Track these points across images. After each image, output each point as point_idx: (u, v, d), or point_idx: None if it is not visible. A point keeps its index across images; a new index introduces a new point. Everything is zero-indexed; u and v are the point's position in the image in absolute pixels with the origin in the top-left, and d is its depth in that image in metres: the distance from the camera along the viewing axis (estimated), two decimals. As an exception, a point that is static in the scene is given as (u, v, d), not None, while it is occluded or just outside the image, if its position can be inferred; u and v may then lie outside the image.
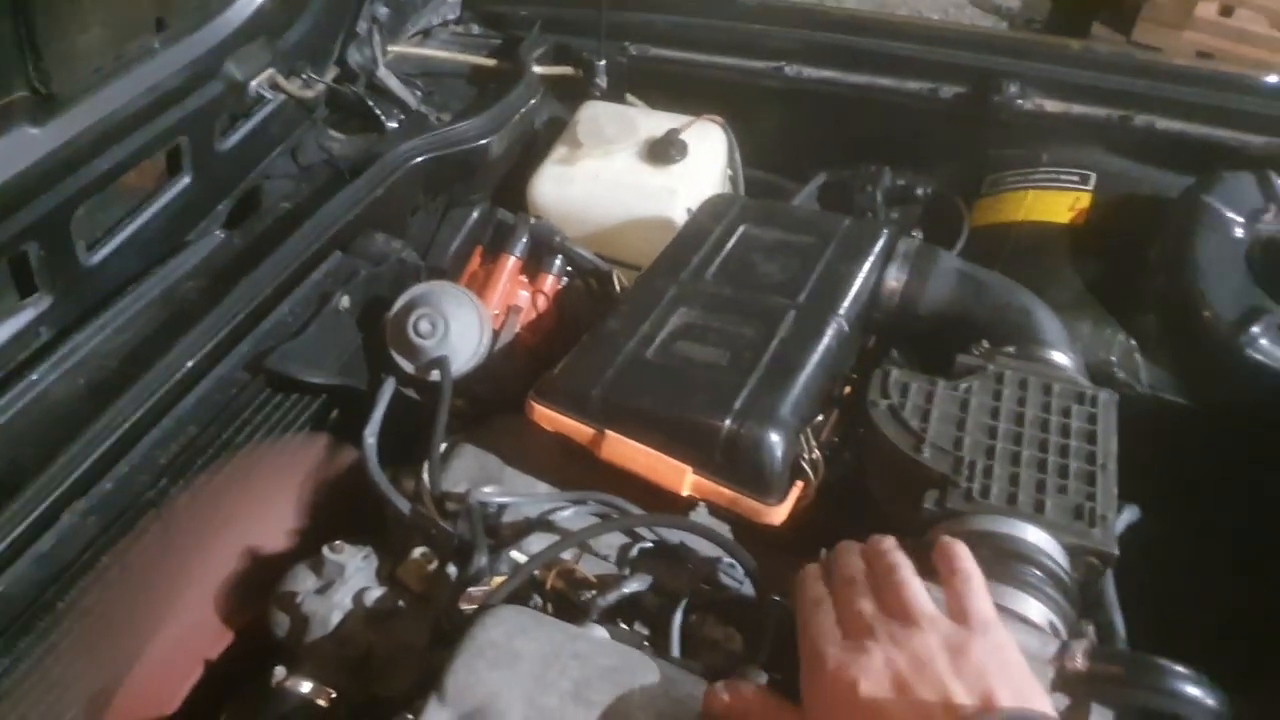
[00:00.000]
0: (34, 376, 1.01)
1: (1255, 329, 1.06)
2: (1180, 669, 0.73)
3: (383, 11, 1.41)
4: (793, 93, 1.49)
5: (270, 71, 1.24)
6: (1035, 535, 0.84)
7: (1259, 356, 1.06)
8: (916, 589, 0.69)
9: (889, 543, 0.74)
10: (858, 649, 0.64)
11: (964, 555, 0.71)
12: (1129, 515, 0.94)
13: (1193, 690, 0.72)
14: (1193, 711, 0.72)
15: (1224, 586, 1.04)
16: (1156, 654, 0.74)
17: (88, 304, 1.10)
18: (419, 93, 1.44)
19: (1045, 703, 0.63)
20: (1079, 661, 0.74)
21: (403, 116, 1.40)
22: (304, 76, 1.30)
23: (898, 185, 1.43)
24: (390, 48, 1.47)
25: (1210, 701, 0.72)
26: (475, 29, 1.64)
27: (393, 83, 1.41)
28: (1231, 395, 1.09)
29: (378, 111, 1.38)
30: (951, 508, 0.87)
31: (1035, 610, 0.79)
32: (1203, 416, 1.09)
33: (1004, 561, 0.82)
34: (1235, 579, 1.05)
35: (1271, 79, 1.39)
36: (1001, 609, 0.78)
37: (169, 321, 1.10)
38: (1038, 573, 0.81)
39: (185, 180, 1.18)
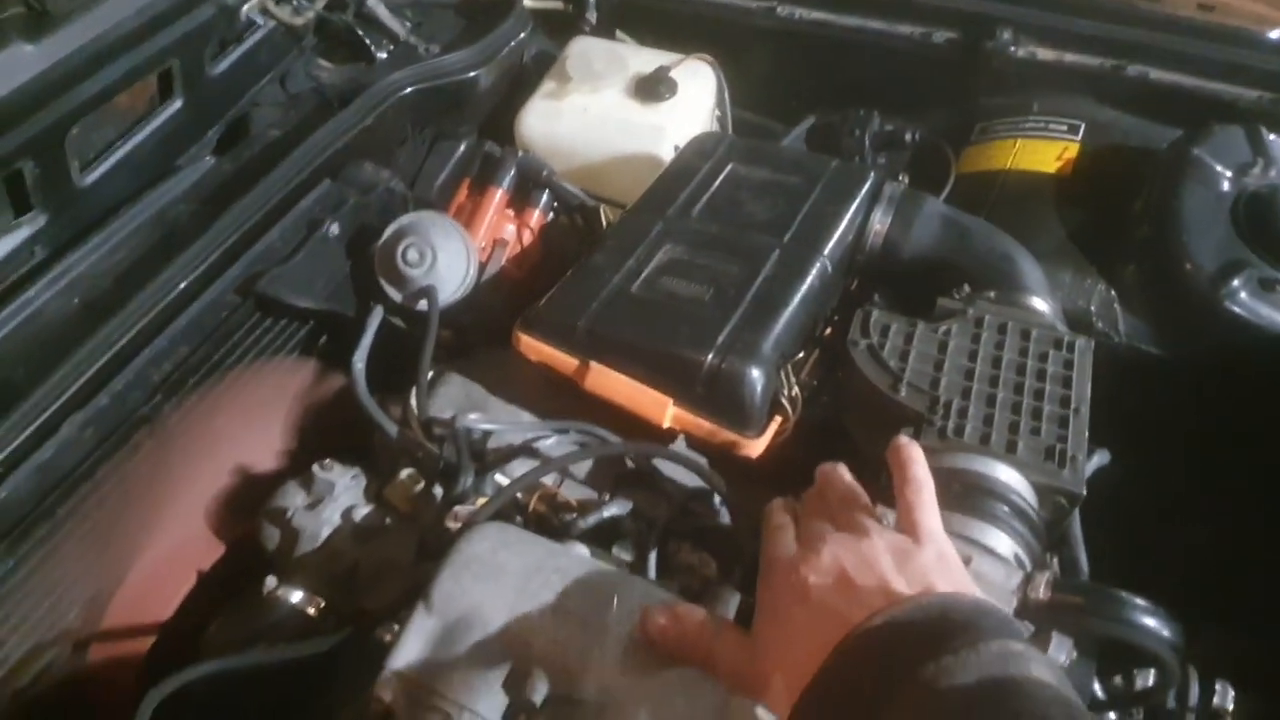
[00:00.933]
0: (29, 294, 1.02)
1: (1235, 282, 1.08)
2: (1138, 600, 0.76)
3: (375, -61, 1.39)
4: (784, 33, 1.48)
5: (262, -3, 1.23)
6: (1006, 473, 0.87)
7: (1237, 309, 1.08)
8: (867, 509, 0.72)
9: (845, 474, 0.77)
10: (810, 551, 0.67)
11: (917, 461, 0.74)
12: (1099, 459, 0.96)
13: (1149, 620, 0.75)
14: (1149, 641, 0.75)
15: (1187, 532, 1.07)
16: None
17: (81, 224, 1.11)
18: (408, 24, 1.43)
19: None
20: (1041, 592, 0.77)
21: (391, 47, 1.39)
22: (294, 3, 1.29)
23: (886, 130, 1.43)
24: (381, -24, 1.45)
25: (1165, 632, 0.76)
26: (469, -40, 1.62)
27: (382, 12, 1.39)
28: (1208, 347, 1.10)
29: (367, 41, 1.37)
30: (926, 445, 0.89)
31: (1002, 543, 0.82)
32: (1178, 367, 1.11)
33: (974, 496, 0.84)
34: (1198, 525, 1.08)
35: (1269, 33, 1.39)
36: (970, 540, 0.82)
37: (161, 244, 1.11)
38: (1006, 509, 0.84)
39: (176, 104, 1.18)
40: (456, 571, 0.77)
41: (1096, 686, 0.81)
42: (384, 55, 1.36)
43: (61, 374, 0.93)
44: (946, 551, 0.67)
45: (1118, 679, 0.83)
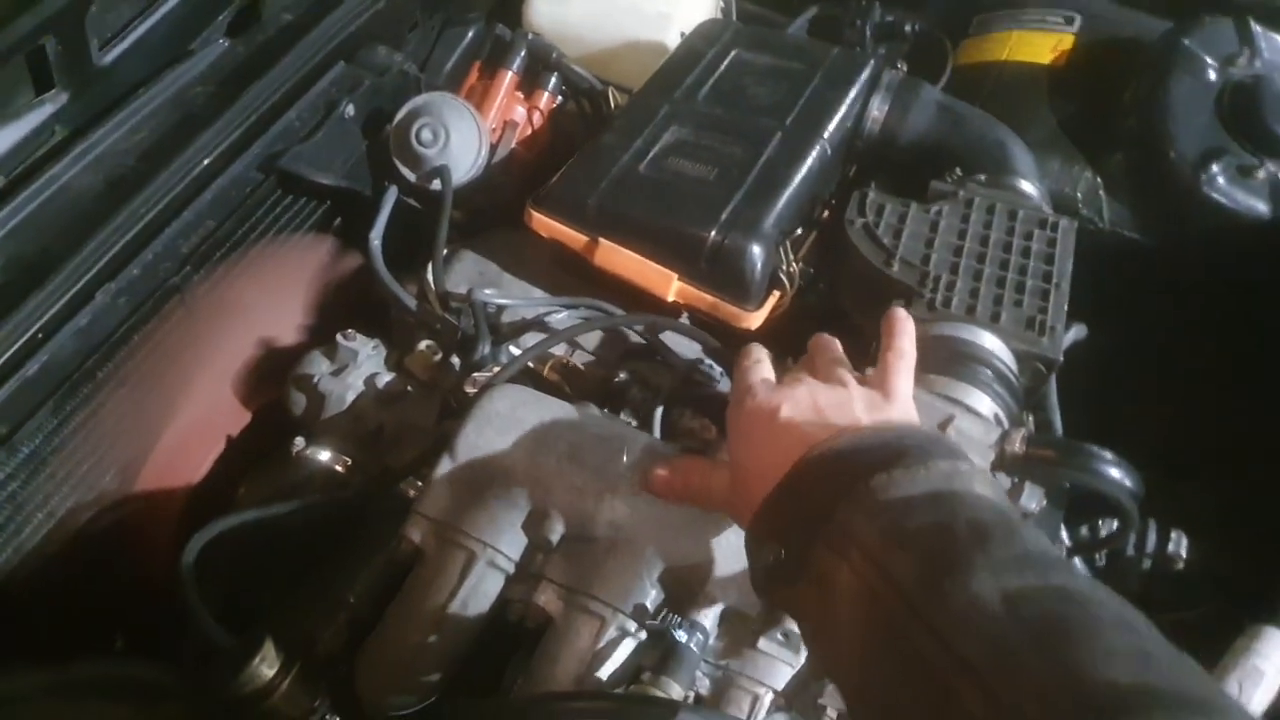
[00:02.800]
0: (55, 170, 1.05)
1: (1214, 168, 1.13)
2: (1105, 452, 0.83)
3: None
4: (789, -76, 1.49)
5: (273, -126, 1.23)
6: (989, 340, 0.93)
7: (1215, 195, 1.13)
8: (847, 366, 0.76)
9: (835, 343, 0.80)
10: (786, 387, 0.72)
11: (907, 332, 0.77)
12: (1076, 332, 1.03)
13: (1114, 471, 0.82)
14: (1112, 489, 0.82)
15: (1156, 403, 1.14)
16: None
17: (101, 103, 1.13)
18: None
19: None
20: (1017, 446, 0.84)
21: (401, -70, 1.39)
22: (304, -119, 1.29)
23: (886, 21, 1.45)
24: None
25: (1128, 482, 0.83)
26: None
27: (391, -105, 1.39)
28: (1187, 232, 1.16)
29: (377, -76, 1.37)
30: (915, 315, 0.95)
31: (984, 404, 0.89)
32: (1158, 252, 1.17)
33: (959, 361, 0.91)
34: (1168, 400, 1.15)
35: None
36: (954, 400, 0.88)
37: (181, 123, 1.13)
38: (988, 372, 0.91)
39: (191, -17, 1.19)
40: (479, 426, 0.84)
41: (1064, 534, 0.88)
42: (393, -62, 1.36)
43: (93, 246, 0.97)
44: (911, 412, 0.72)
45: (1084, 529, 0.91)
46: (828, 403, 0.69)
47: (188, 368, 1.05)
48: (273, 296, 1.11)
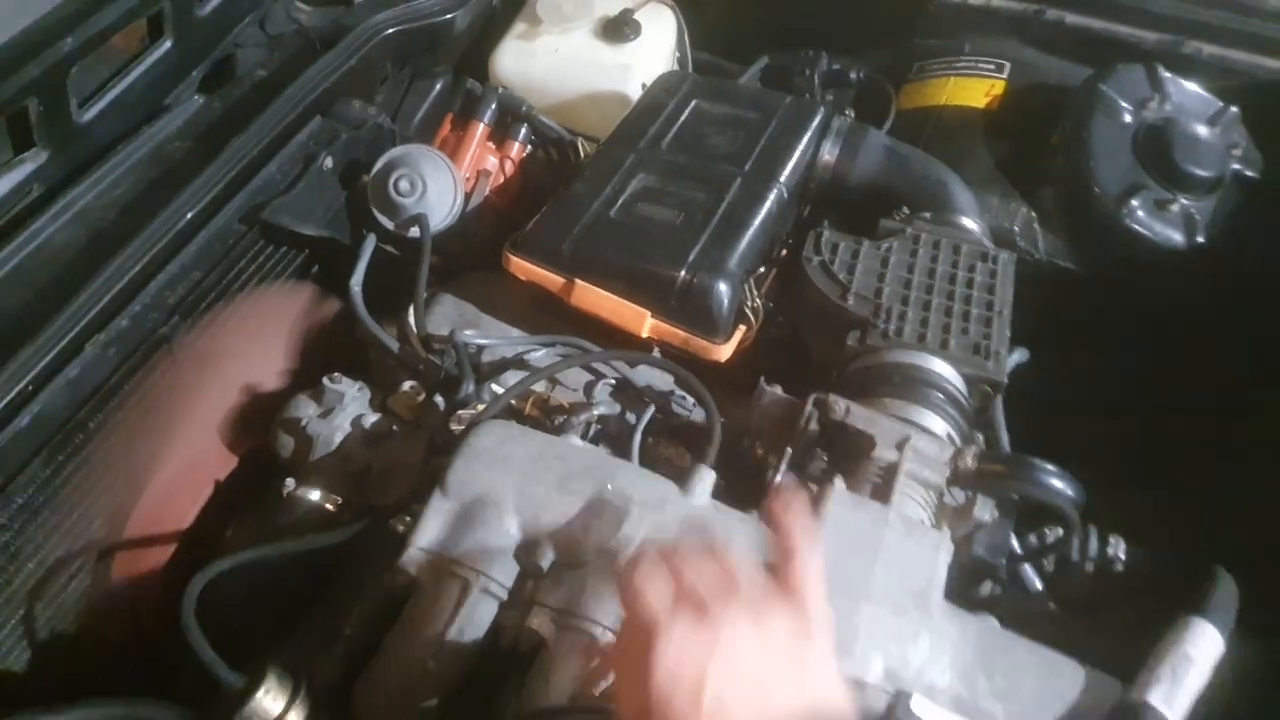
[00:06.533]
0: (37, 225, 1.08)
1: (1134, 202, 1.23)
2: (1049, 465, 0.90)
3: (346, -117, 1.44)
4: (739, -22, 1.58)
5: (246, -61, 1.29)
6: (939, 366, 1.01)
7: (1136, 226, 1.23)
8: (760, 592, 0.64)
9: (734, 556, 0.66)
10: (705, 635, 0.60)
11: (801, 529, 0.65)
12: (1019, 355, 1.11)
13: (1058, 482, 0.90)
14: (1057, 498, 0.90)
15: (1094, 418, 1.22)
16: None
17: (81, 160, 1.17)
18: (383, -34, 1.49)
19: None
20: (969, 462, 0.92)
21: (369, -11, 1.45)
22: (274, -54, 1.35)
23: (833, 69, 1.54)
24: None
25: (1071, 492, 0.90)
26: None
27: (358, -45, 1.45)
28: (1113, 260, 1.25)
29: (344, -17, 1.43)
30: (870, 344, 1.03)
31: (937, 424, 0.96)
32: (1088, 279, 1.26)
33: (913, 385, 0.98)
34: (1104, 413, 1.24)
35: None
36: (910, 422, 0.95)
37: (160, 178, 1.17)
38: (940, 395, 0.98)
39: (167, 44, 1.23)
40: (468, 461, 0.88)
41: (1014, 542, 0.95)
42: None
43: (82, 299, 1.00)
44: (828, 621, 0.63)
45: (1032, 537, 0.98)
46: (759, 669, 0.59)
47: (174, 416, 1.08)
48: (256, 344, 1.14)
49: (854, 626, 0.79)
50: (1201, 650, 0.82)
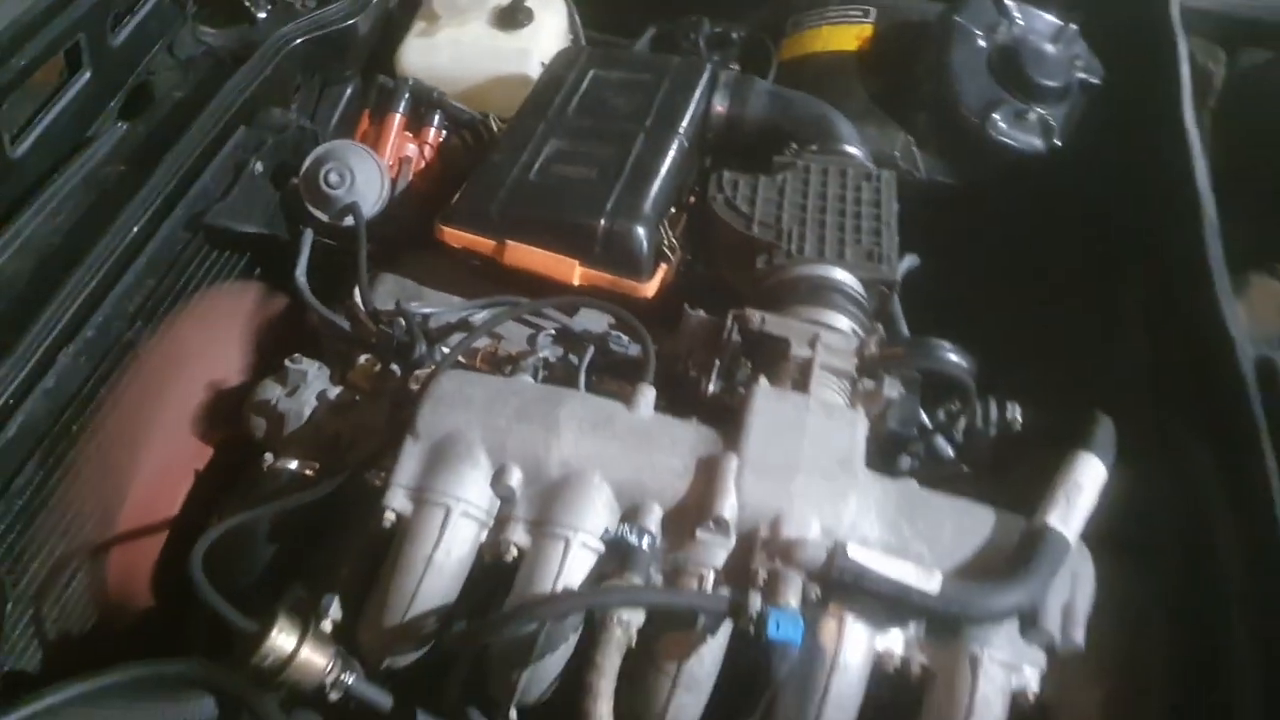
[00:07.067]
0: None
1: (996, 116, 1.38)
2: (943, 342, 1.03)
3: (237, -94, 1.51)
4: (618, -42, 1.70)
5: (149, -33, 1.35)
6: (839, 273, 1.13)
7: (1001, 137, 1.38)
8: None
9: None
10: None
11: None
12: (910, 261, 1.25)
13: (951, 356, 1.03)
14: (952, 368, 1.03)
15: (981, 308, 1.36)
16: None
17: (19, 193, 1.23)
18: (281, -17, 1.56)
19: None
20: (873, 349, 1.04)
21: (270, 6, 1.52)
22: (177, -28, 1.42)
23: (716, 32, 1.67)
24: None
25: (963, 362, 1.04)
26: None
27: (256, -26, 1.52)
28: (985, 169, 1.40)
29: (246, 3, 1.50)
30: (777, 264, 1.15)
31: (842, 322, 1.09)
32: (965, 189, 1.40)
33: (818, 292, 1.11)
34: (993, 304, 1.38)
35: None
36: (819, 323, 1.08)
37: (99, 200, 1.24)
38: (842, 298, 1.11)
39: (86, 76, 1.30)
40: (434, 405, 0.97)
41: (923, 417, 1.08)
42: (264, 15, 1.49)
43: (47, 315, 1.07)
44: None
45: (941, 413, 1.11)
46: None
47: (148, 415, 1.15)
48: (215, 341, 1.22)
49: (790, 495, 0.91)
50: (1089, 479, 0.96)
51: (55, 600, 1.08)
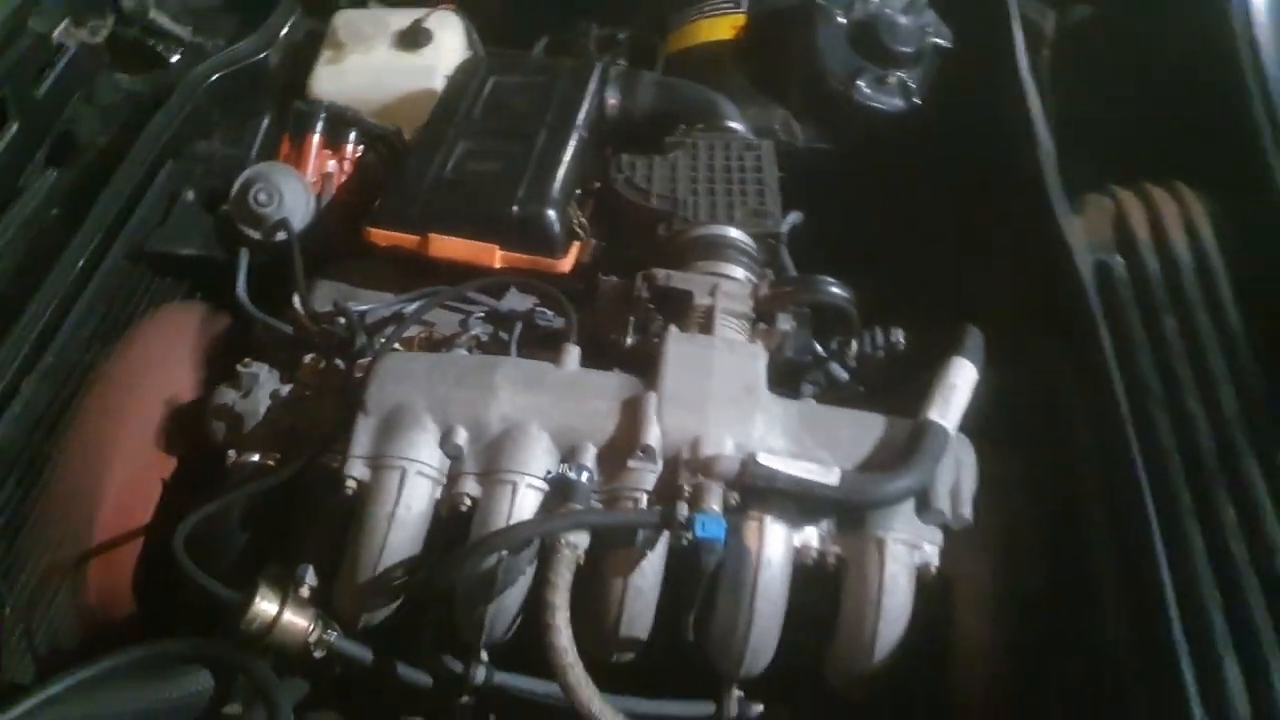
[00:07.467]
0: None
1: (860, 83, 1.53)
2: (825, 277, 1.17)
3: (141, -40, 1.60)
4: (506, -25, 1.83)
5: (66, 22, 1.44)
6: (731, 231, 1.27)
7: (867, 101, 1.53)
8: None
9: None
10: None
11: None
12: (795, 217, 1.39)
13: (834, 288, 1.17)
14: (835, 299, 1.17)
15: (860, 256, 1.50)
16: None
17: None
18: (189, 28, 1.66)
19: None
20: (764, 290, 1.18)
21: (182, 49, 1.62)
22: (90, 25, 1.50)
23: (604, 35, 1.80)
24: (150, -8, 1.66)
25: (844, 293, 1.18)
26: (220, -34, 1.85)
27: (165, 22, 1.61)
28: (856, 132, 1.55)
29: (159, 49, 1.59)
30: (676, 229, 1.28)
31: (737, 272, 1.22)
32: (842, 152, 1.55)
33: (714, 249, 1.24)
34: (873, 250, 1.53)
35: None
36: (717, 274, 1.21)
37: (40, 241, 1.32)
38: (735, 251, 1.24)
39: (14, 128, 1.38)
40: (380, 383, 1.08)
41: (817, 347, 1.22)
42: (176, 58, 1.59)
43: (7, 346, 1.16)
44: None
45: (833, 343, 1.25)
46: None
47: (113, 431, 1.22)
48: (166, 358, 1.30)
49: (705, 420, 1.03)
50: (962, 379, 1.10)
51: (43, 614, 1.15)
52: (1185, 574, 0.90)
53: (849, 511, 1.03)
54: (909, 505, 1.03)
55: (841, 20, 1.60)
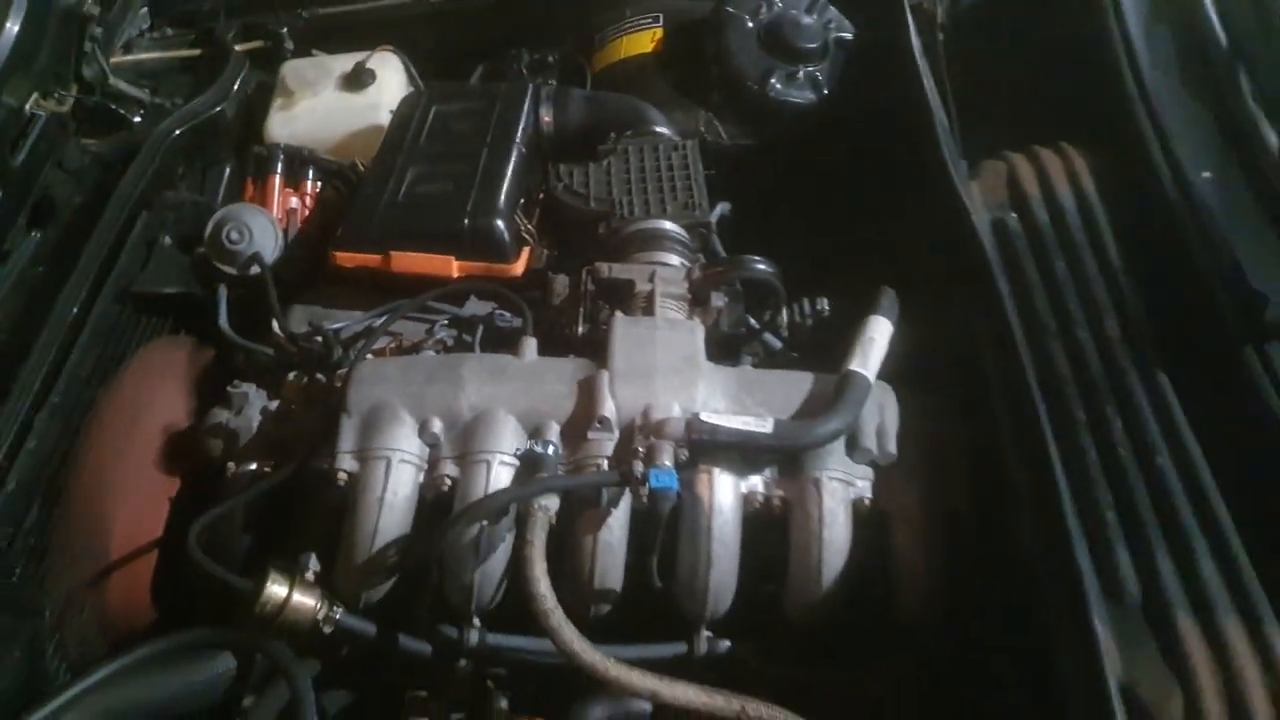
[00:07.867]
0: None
1: (773, 80, 1.67)
2: (752, 257, 1.31)
3: (98, 31, 1.72)
4: (438, 15, 1.96)
5: (35, 94, 1.55)
6: (665, 224, 1.41)
7: (779, 97, 1.67)
8: None
9: None
10: None
11: None
12: (723, 207, 1.53)
13: (759, 265, 1.31)
14: (762, 274, 1.30)
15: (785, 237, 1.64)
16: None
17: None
18: (148, 90, 1.78)
19: None
20: (698, 273, 1.31)
21: (142, 111, 1.74)
22: (56, 95, 1.61)
23: (535, 59, 1.94)
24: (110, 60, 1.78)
25: (770, 269, 1.31)
26: (169, 31, 1.97)
27: (125, 87, 1.74)
28: (774, 126, 1.69)
29: (121, 112, 1.71)
30: (615, 226, 1.42)
31: (673, 259, 1.36)
32: (763, 145, 1.70)
33: (651, 241, 1.38)
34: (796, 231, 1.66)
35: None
36: (654, 263, 1.34)
37: (32, 297, 1.43)
38: (669, 241, 1.38)
39: (-1, 195, 1.49)
40: (358, 385, 1.20)
41: (750, 320, 1.35)
42: (139, 119, 1.70)
43: (17, 389, 1.27)
44: None
45: (765, 316, 1.38)
46: None
47: (119, 458, 1.33)
48: (160, 388, 1.41)
49: (653, 390, 1.16)
50: (879, 333, 1.24)
51: (72, 628, 1.25)
52: (1080, 479, 1.04)
53: (787, 456, 1.16)
54: (840, 446, 1.16)
55: (750, 24, 1.75)
